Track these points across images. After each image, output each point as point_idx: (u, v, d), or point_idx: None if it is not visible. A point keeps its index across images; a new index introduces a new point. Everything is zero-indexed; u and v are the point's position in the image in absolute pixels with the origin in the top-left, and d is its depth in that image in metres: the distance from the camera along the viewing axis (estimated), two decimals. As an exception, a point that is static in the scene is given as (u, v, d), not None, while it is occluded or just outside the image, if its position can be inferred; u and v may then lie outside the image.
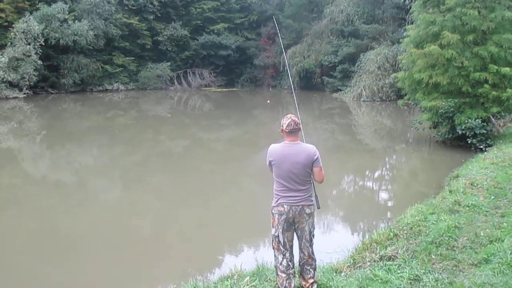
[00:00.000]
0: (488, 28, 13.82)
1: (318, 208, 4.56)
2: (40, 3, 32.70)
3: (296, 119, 4.35)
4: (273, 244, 4.40)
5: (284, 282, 4.37)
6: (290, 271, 4.38)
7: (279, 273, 4.41)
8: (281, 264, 4.37)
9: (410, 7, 23.75)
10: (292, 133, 4.33)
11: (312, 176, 4.40)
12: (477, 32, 13.95)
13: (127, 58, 38.86)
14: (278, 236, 4.34)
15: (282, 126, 4.35)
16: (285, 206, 4.29)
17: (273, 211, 4.36)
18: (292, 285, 4.39)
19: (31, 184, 11.79)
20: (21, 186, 11.57)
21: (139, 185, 11.67)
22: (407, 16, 27.96)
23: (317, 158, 4.34)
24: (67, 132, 20.33)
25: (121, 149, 16.64)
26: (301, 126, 4.43)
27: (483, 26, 13.79)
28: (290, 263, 4.38)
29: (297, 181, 4.29)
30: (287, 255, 4.37)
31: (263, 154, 4.60)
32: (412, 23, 19.58)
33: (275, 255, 4.43)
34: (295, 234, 4.44)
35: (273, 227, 4.37)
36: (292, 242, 4.44)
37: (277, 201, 4.34)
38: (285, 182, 4.30)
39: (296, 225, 4.37)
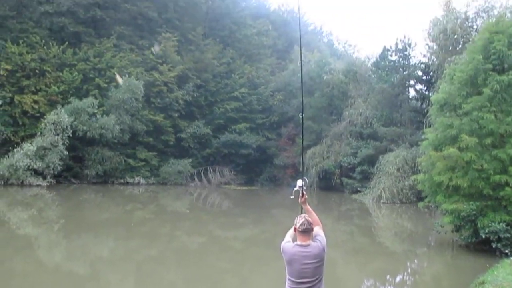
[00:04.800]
0: (506, 131, 13.96)
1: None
2: (72, 97, 34.62)
3: (310, 219, 4.49)
4: None
5: None
6: None
7: None
8: None
9: (427, 111, 24.35)
10: (304, 232, 4.47)
11: (323, 271, 4.49)
12: (495, 135, 14.09)
13: (150, 153, 39.76)
14: None
15: (296, 225, 4.52)
16: None
17: None
18: None
19: (44, 273, 11.62)
20: (34, 274, 11.41)
21: (152, 280, 11.40)
22: (424, 119, 28.51)
23: (324, 248, 4.51)
24: (85, 222, 20.36)
25: (137, 243, 16.48)
26: (313, 226, 4.54)
27: (500, 129, 13.96)
28: None
29: (308, 281, 4.36)
30: None
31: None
32: (429, 126, 19.93)
33: None
34: None
35: None
36: None
37: None
38: (297, 280, 4.37)
39: None
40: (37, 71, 35.13)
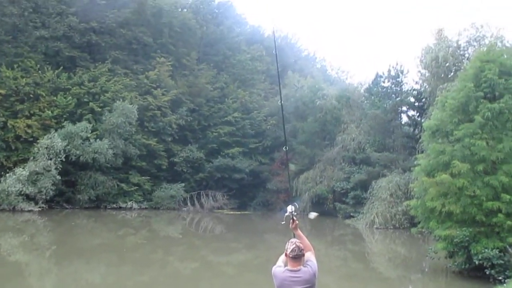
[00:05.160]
0: (497, 158, 14.12)
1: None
2: (65, 122, 34.54)
3: (301, 245, 4.49)
4: None
5: None
6: None
7: None
8: None
9: (420, 137, 24.57)
10: (295, 259, 4.48)
11: None
12: (487, 161, 14.25)
13: (143, 177, 39.54)
14: None
15: (286, 251, 4.50)
16: None
17: None
18: None
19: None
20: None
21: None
22: (417, 145, 28.73)
23: (315, 273, 4.51)
24: (77, 248, 20.15)
25: (129, 269, 16.33)
26: (304, 252, 4.56)
27: (492, 156, 14.12)
28: None
29: None
30: None
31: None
32: (422, 152, 20.09)
33: None
34: None
35: None
36: None
37: None
38: None
39: None
40: (31, 95, 35.06)
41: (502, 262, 13.12)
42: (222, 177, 42.74)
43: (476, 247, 13.57)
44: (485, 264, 13.27)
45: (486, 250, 13.23)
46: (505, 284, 11.82)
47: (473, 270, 14.26)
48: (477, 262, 13.50)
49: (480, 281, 13.45)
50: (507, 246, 13.95)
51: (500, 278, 12.92)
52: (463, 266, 14.57)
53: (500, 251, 13.31)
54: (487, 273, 13.29)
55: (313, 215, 6.34)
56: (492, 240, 13.61)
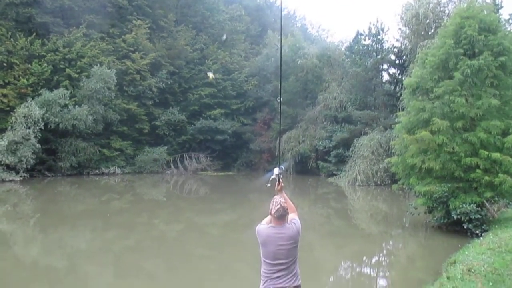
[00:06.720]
0: (476, 115, 14.26)
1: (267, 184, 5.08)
2: (42, 89, 33.76)
3: (285, 204, 4.51)
4: None
5: None
6: None
7: None
8: None
9: (400, 94, 24.65)
10: (280, 218, 4.53)
11: (297, 253, 4.58)
12: (466, 118, 14.39)
13: (125, 142, 39.40)
14: None
15: (271, 211, 4.52)
16: None
17: None
18: None
19: (21, 269, 11.50)
20: (10, 271, 11.28)
21: (131, 270, 11.42)
22: (398, 103, 28.89)
23: (299, 231, 4.59)
24: (61, 215, 20.14)
25: (115, 233, 16.42)
26: (288, 211, 4.62)
27: (471, 113, 14.25)
28: None
29: (282, 262, 4.44)
30: None
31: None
32: (403, 109, 20.20)
33: None
34: None
35: None
36: None
37: (264, 283, 4.42)
38: (272, 262, 4.45)
39: None
40: (4, 64, 33.99)
41: (479, 216, 13.47)
42: (205, 139, 42.79)
43: (454, 202, 13.88)
44: (463, 218, 13.60)
45: (464, 205, 13.55)
46: (481, 238, 12.18)
47: (451, 225, 14.63)
48: (455, 217, 13.83)
49: (458, 235, 13.83)
50: (484, 201, 14.33)
51: (477, 232, 13.29)
52: (442, 221, 14.93)
53: (477, 206, 13.64)
54: (465, 227, 13.64)
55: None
56: (470, 195, 13.92)
